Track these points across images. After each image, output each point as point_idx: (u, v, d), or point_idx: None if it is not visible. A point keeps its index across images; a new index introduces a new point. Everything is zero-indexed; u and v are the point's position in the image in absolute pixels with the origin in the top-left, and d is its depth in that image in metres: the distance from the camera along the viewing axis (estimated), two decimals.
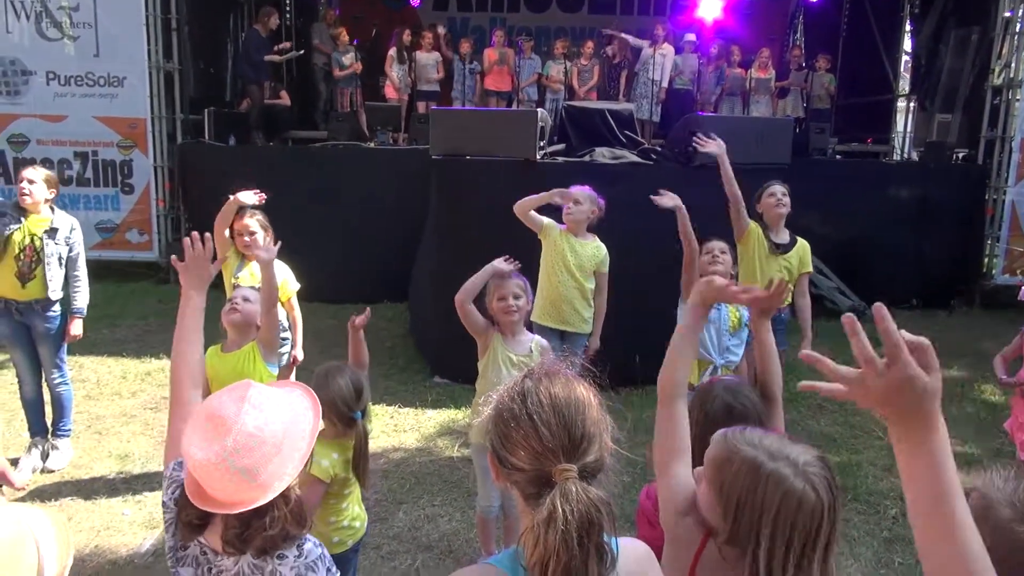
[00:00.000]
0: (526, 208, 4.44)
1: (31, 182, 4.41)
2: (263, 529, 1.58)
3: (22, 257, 4.42)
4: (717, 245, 3.92)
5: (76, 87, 9.08)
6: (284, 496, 1.59)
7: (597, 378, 1.38)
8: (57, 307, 4.59)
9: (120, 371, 6.16)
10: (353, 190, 8.37)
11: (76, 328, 4.64)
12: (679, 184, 5.80)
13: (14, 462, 4.38)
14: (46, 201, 4.50)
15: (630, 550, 1.34)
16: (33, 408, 4.72)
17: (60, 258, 4.53)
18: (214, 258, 2.11)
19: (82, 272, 4.67)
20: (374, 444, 3.06)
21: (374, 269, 8.07)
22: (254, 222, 4.28)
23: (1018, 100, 9.00)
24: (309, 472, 2.50)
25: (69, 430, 4.81)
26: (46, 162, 9.16)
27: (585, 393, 1.33)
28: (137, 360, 6.35)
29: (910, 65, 12.41)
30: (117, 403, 5.53)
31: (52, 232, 4.49)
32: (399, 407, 5.59)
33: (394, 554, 3.79)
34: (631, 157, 6.03)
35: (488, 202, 5.82)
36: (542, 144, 5.88)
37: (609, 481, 1.30)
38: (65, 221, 4.58)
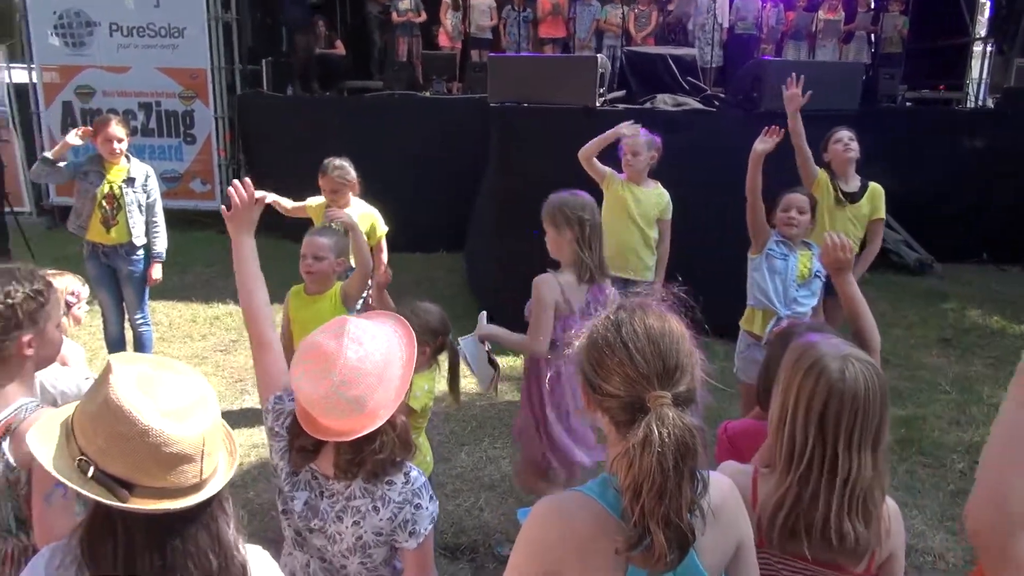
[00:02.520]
0: (590, 153, 4.39)
1: (119, 140, 4.61)
2: (374, 454, 1.66)
3: (104, 205, 4.64)
4: (796, 203, 3.70)
5: (138, 38, 9.24)
6: (391, 422, 1.67)
7: (690, 314, 1.39)
8: (141, 252, 4.80)
9: (190, 315, 6.38)
10: (409, 140, 8.38)
11: (156, 272, 4.84)
12: (743, 132, 5.67)
13: None
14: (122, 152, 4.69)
15: (716, 482, 1.36)
16: (115, 347, 4.96)
17: (140, 205, 4.73)
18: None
19: (160, 218, 4.86)
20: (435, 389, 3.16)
21: (431, 219, 8.11)
22: (335, 177, 4.30)
23: None
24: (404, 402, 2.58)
25: None
26: (112, 113, 9.39)
27: (678, 326, 1.34)
28: (205, 305, 6.57)
29: (988, 7, 11.75)
30: (189, 345, 5.74)
31: (130, 181, 4.69)
32: None
33: (458, 492, 3.89)
34: (694, 104, 5.90)
35: (547, 150, 5.78)
36: (602, 91, 5.78)
37: (699, 413, 1.31)
38: (140, 169, 4.77)
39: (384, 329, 1.71)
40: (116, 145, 4.59)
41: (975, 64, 11.80)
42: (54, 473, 1.22)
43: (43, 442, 1.24)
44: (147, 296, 4.95)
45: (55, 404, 2.63)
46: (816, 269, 3.67)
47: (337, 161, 4.32)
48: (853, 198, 4.46)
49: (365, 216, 4.39)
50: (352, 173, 4.37)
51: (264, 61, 9.66)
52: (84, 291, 2.95)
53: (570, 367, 1.42)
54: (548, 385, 3.05)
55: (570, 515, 1.32)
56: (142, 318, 4.93)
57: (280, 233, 5.66)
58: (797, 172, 4.54)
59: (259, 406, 3.80)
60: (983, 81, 11.49)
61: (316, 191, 4.48)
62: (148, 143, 9.42)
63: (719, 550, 1.36)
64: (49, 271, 2.77)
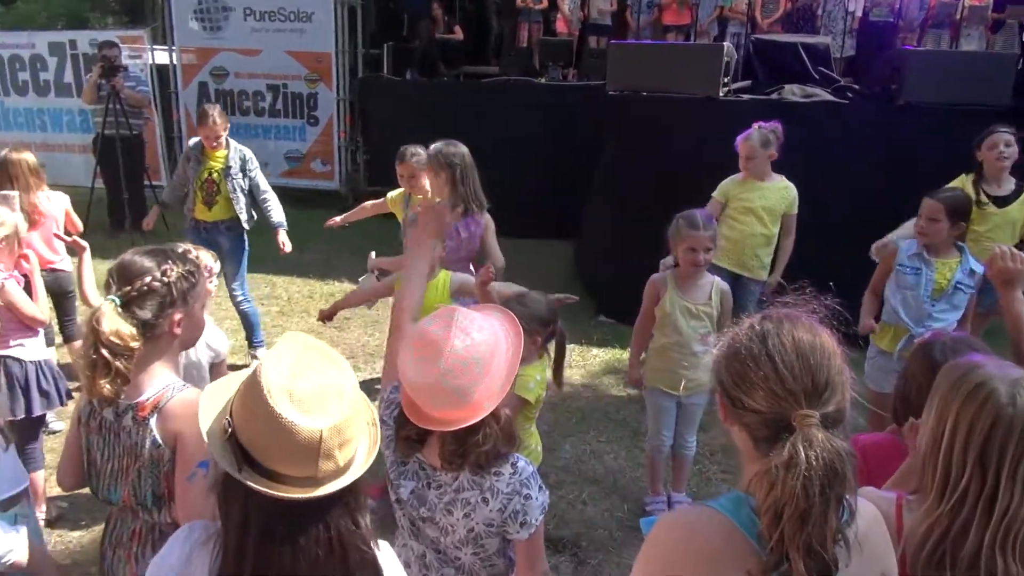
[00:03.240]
0: None
1: (221, 134, 4.92)
2: (477, 446, 1.66)
3: (205, 189, 4.98)
4: (927, 210, 3.40)
5: (269, 22, 9.61)
6: (494, 415, 1.67)
7: (840, 328, 1.30)
8: (241, 229, 5.05)
9: (308, 291, 6.64)
10: (523, 126, 8.37)
11: (283, 237, 5.06)
12: (879, 125, 5.40)
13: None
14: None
15: (862, 509, 1.28)
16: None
17: (242, 189, 4.99)
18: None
19: (269, 193, 5.11)
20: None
21: (541, 206, 8.10)
22: (414, 163, 4.43)
23: None
24: (515, 393, 2.61)
25: (262, 341, 5.27)
26: (242, 94, 9.87)
27: (829, 340, 1.26)
28: (322, 282, 6.82)
29: None
30: (306, 320, 5.97)
31: (227, 169, 4.95)
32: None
33: (561, 484, 3.88)
34: (825, 96, 5.61)
35: (665, 140, 5.65)
36: (726, 80, 5.58)
37: (846, 436, 1.23)
38: (236, 155, 5.00)
39: (491, 321, 1.72)
40: (221, 137, 4.92)
41: None
42: (204, 433, 1.28)
43: (209, 408, 1.31)
44: (244, 272, 5.18)
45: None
46: (957, 280, 3.39)
47: (413, 148, 4.45)
48: (1002, 202, 4.13)
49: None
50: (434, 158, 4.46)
51: (385, 46, 9.87)
52: (216, 266, 3.11)
53: None
54: None
55: (699, 530, 1.27)
56: (242, 294, 5.15)
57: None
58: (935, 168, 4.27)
59: (368, 381, 3.89)
60: None
61: None
62: (274, 123, 9.83)
63: None
64: (185, 245, 2.95)
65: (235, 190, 4.97)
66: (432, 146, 3.98)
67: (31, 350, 3.29)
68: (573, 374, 5.21)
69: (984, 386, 1.40)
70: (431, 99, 8.78)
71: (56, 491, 3.29)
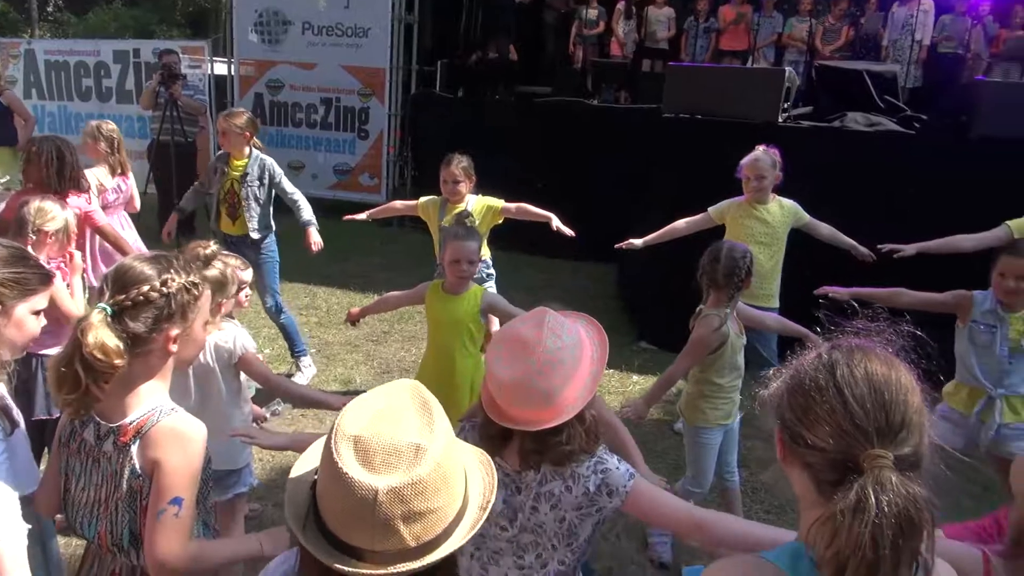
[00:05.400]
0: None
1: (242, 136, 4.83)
2: (559, 445, 1.66)
3: (227, 199, 4.91)
4: (1015, 270, 3.04)
5: (327, 36, 9.74)
6: (579, 416, 1.66)
7: (920, 363, 1.15)
8: (268, 240, 4.97)
9: (347, 302, 6.59)
10: (573, 146, 8.28)
11: (314, 236, 4.90)
12: (946, 159, 5.15)
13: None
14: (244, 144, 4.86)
15: (939, 571, 1.11)
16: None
17: (256, 198, 4.87)
18: None
19: (296, 194, 4.96)
20: None
21: (585, 227, 7.95)
22: (459, 170, 4.46)
23: None
24: (600, 397, 2.69)
25: (303, 350, 5.18)
26: (296, 106, 10.00)
27: (907, 375, 1.11)
28: (362, 294, 6.77)
29: None
30: (343, 333, 5.92)
31: (244, 176, 4.84)
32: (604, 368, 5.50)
33: None
34: (890, 125, 5.38)
35: (719, 166, 5.48)
36: (786, 106, 5.41)
37: (926, 484, 1.07)
38: (255, 163, 4.88)
39: (576, 326, 1.70)
40: (232, 139, 4.79)
41: None
42: (290, 477, 1.16)
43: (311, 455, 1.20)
44: (276, 284, 5.04)
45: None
46: None
47: (459, 155, 4.51)
48: None
49: (480, 203, 4.55)
50: (472, 168, 4.53)
51: (439, 62, 9.91)
52: (248, 275, 3.02)
53: None
54: None
55: None
56: (274, 305, 5.01)
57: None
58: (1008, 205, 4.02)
59: None
60: None
61: (478, 192, 4.65)
62: (325, 136, 9.92)
63: None
64: (223, 252, 2.88)
65: (248, 197, 4.85)
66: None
67: None
68: (612, 400, 5.04)
69: None
70: (482, 116, 8.76)
71: None
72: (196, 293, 1.70)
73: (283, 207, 5.03)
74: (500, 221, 4.61)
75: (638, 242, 4.74)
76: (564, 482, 1.71)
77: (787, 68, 5.82)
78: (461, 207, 4.51)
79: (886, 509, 0.99)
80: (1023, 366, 3.13)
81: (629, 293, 6.82)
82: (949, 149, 5.13)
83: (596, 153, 8.13)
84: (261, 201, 4.91)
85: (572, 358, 1.62)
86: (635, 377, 5.40)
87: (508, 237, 4.71)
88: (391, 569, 1.05)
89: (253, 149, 4.91)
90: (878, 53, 9.52)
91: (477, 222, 4.41)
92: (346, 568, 1.04)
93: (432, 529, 1.07)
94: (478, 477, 1.22)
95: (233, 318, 2.87)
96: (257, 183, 4.87)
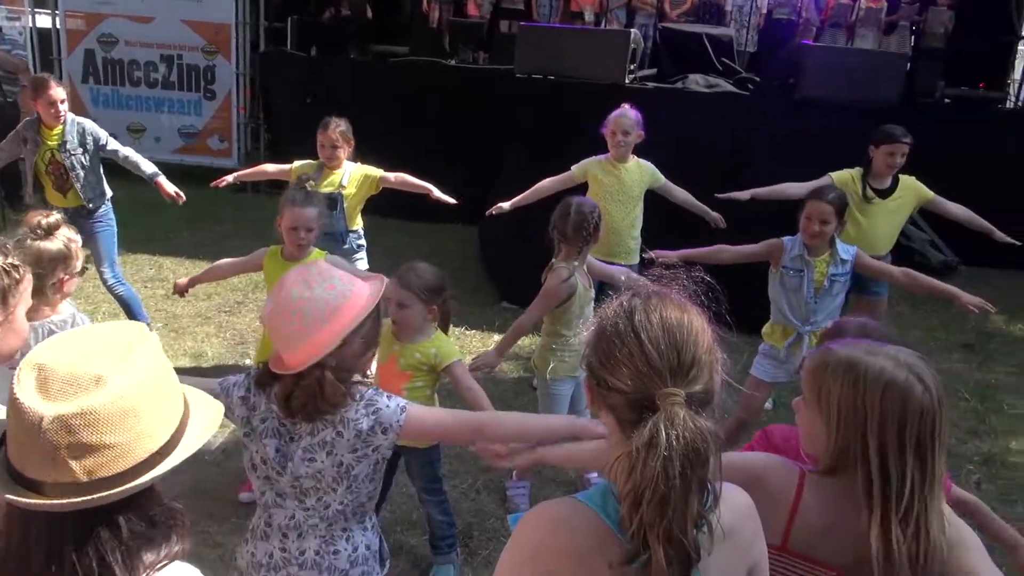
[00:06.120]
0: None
1: (62, 102, 4.49)
2: (305, 393, 1.71)
3: (51, 172, 4.55)
4: (819, 213, 3.38)
5: None
6: (321, 369, 1.69)
7: (715, 309, 1.24)
8: (104, 208, 4.67)
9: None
10: (432, 109, 8.19)
11: (168, 186, 4.67)
12: (777, 117, 5.52)
13: None
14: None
15: (729, 497, 1.22)
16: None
17: (83, 166, 4.57)
18: None
19: (127, 151, 4.68)
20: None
21: (449, 190, 7.94)
22: (337, 135, 4.33)
23: None
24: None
25: (147, 324, 4.93)
26: (133, 64, 9.29)
27: (699, 318, 1.20)
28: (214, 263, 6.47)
29: None
30: (193, 305, 5.64)
31: (63, 145, 4.53)
32: (466, 329, 5.57)
33: (455, 473, 3.79)
34: (727, 86, 5.69)
35: (572, 125, 5.61)
36: (632, 68, 5.59)
37: (716, 419, 1.17)
38: (73, 129, 4.57)
39: (350, 286, 1.74)
40: (60, 107, 4.47)
41: (1019, 64, 11.42)
42: None
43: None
44: (114, 255, 4.80)
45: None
46: (832, 273, 3.47)
47: (337, 119, 4.33)
48: (884, 194, 4.31)
49: (358, 172, 4.43)
50: (350, 132, 4.38)
51: (289, 19, 9.47)
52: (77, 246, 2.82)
53: None
54: None
55: (568, 527, 1.19)
56: (112, 276, 4.77)
57: None
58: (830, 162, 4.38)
59: None
60: None
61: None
62: (168, 96, 9.29)
63: (729, 573, 1.21)
64: (56, 216, 2.65)
65: (75, 167, 4.53)
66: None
67: None
68: (470, 357, 5.12)
69: (868, 370, 1.38)
70: (337, 77, 8.48)
71: None
72: (16, 277, 1.58)
73: (117, 172, 4.71)
74: (378, 191, 4.50)
75: (506, 205, 4.79)
76: (335, 428, 1.76)
77: (633, 30, 6.01)
78: (339, 174, 4.37)
79: (674, 443, 1.06)
80: (826, 304, 3.51)
81: (491, 254, 6.89)
82: (779, 108, 5.50)
83: (457, 115, 8.08)
84: (89, 168, 4.56)
85: (318, 311, 1.67)
86: (496, 337, 5.48)
87: (373, 199, 4.62)
88: (52, 501, 0.99)
89: (68, 114, 4.55)
90: (722, 18, 9.98)
91: (353, 191, 4.34)
92: (10, 496, 1.01)
93: (109, 466, 1.02)
94: (202, 424, 1.17)
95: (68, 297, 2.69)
96: (80, 150, 4.53)
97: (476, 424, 1.83)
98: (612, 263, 4.42)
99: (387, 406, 1.78)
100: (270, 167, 4.80)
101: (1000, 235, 4.40)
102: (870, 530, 1.35)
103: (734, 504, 1.24)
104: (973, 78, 10.57)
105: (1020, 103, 10.88)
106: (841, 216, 3.45)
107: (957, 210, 4.45)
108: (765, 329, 3.69)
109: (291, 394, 1.72)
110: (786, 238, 3.53)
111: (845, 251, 3.50)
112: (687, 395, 1.12)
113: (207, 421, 1.19)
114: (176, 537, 1.09)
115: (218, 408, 1.24)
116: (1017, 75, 11.39)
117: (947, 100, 9.54)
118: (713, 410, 1.17)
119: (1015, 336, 6.34)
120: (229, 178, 4.66)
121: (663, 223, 4.58)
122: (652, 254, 3.60)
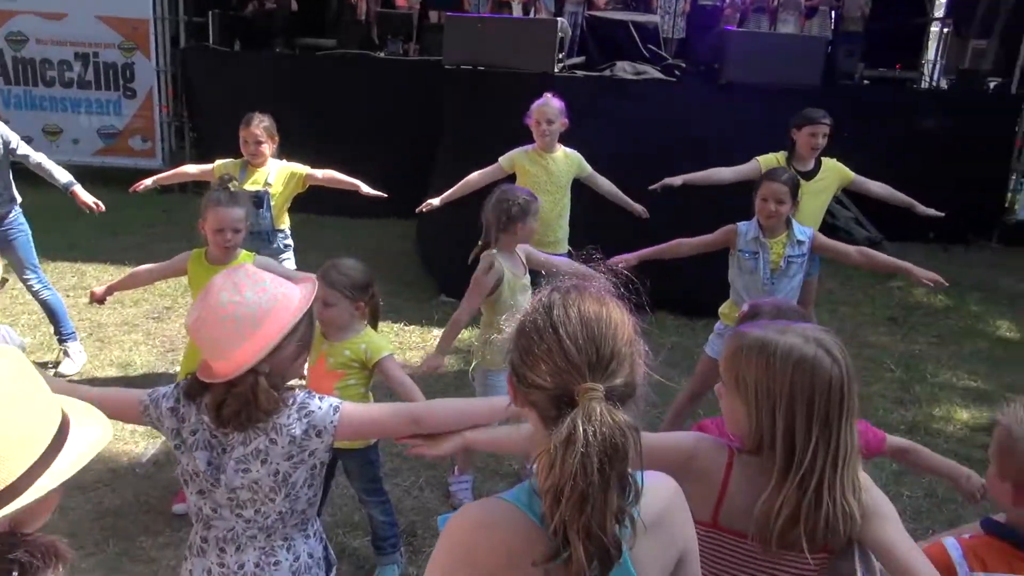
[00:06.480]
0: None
1: None
2: (234, 406, 1.66)
3: None
4: (774, 194, 3.48)
5: None
6: (254, 376, 1.64)
7: (633, 299, 1.25)
8: (13, 214, 4.42)
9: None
10: (362, 102, 8.07)
11: (84, 195, 4.41)
12: (704, 103, 5.61)
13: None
14: None
15: (655, 487, 1.23)
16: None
17: None
18: None
19: (38, 157, 4.42)
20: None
21: (383, 184, 7.85)
22: (261, 130, 4.24)
23: None
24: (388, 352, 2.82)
25: (72, 333, 4.72)
26: (46, 63, 8.89)
27: (619, 312, 1.20)
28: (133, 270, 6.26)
29: None
30: (119, 312, 5.45)
31: None
32: (404, 324, 5.53)
33: (397, 471, 3.76)
34: (654, 73, 5.76)
35: (502, 116, 5.59)
36: (561, 56, 5.60)
37: (639, 411, 1.18)
38: None
39: (282, 289, 1.69)
40: None
41: (932, 45, 11.87)
42: None
43: None
44: (34, 258, 4.55)
45: None
46: (788, 254, 3.56)
47: (260, 114, 4.25)
48: (808, 176, 4.43)
49: (284, 169, 4.35)
50: (274, 128, 4.30)
51: (210, 13, 9.19)
52: None
53: None
54: None
55: (496, 527, 1.18)
56: (38, 282, 4.54)
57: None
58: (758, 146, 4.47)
59: None
60: (938, 62, 11.57)
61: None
62: (85, 96, 8.91)
63: (659, 561, 1.23)
64: None
65: None
66: None
67: None
68: (413, 356, 5.09)
69: (780, 348, 1.45)
70: (262, 72, 8.30)
71: None
72: None
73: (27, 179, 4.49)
74: (304, 189, 4.41)
75: (436, 201, 4.74)
76: (268, 436, 1.71)
77: (560, 19, 6.02)
78: (264, 171, 4.27)
79: (591, 439, 1.06)
80: (782, 284, 3.59)
81: (427, 248, 6.85)
82: (704, 94, 5.59)
83: (387, 108, 7.99)
84: None
85: (250, 315, 1.62)
86: (436, 331, 5.46)
87: (304, 197, 4.53)
88: None
89: None
90: (648, 5, 10.08)
91: (280, 189, 4.27)
92: None
93: None
94: (80, 447, 1.10)
95: None
96: None
97: (412, 416, 1.77)
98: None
99: (319, 408, 1.73)
100: (191, 168, 4.66)
101: (922, 208, 4.57)
102: (777, 503, 1.42)
103: (660, 493, 1.25)
104: (890, 59, 10.97)
105: (933, 82, 11.35)
106: (795, 196, 3.54)
107: (878, 188, 4.61)
108: (723, 308, 3.74)
109: (223, 403, 1.66)
110: (741, 223, 3.60)
111: (801, 232, 3.58)
112: (607, 389, 1.11)
113: (87, 444, 1.10)
114: None
115: (104, 430, 1.17)
116: (930, 55, 11.86)
117: (866, 81, 9.88)
118: (636, 403, 1.18)
119: (935, 308, 6.62)
120: (148, 182, 4.49)
121: (599, 215, 4.60)
122: (612, 260, 3.62)
